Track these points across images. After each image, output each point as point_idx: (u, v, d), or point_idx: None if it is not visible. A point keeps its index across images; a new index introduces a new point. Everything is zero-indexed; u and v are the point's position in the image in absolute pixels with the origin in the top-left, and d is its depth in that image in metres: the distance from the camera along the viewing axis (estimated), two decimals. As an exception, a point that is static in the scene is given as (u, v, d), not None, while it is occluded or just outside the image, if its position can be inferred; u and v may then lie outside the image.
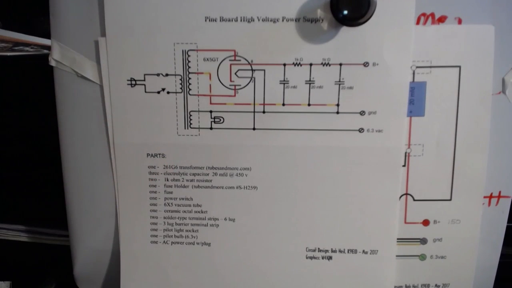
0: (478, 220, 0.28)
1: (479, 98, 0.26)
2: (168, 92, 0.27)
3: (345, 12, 0.23)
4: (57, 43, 0.27)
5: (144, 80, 0.27)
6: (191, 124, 0.27)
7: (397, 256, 0.29)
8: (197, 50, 0.26)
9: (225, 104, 0.27)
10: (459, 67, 0.26)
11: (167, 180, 0.28)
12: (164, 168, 0.28)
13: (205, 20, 0.26)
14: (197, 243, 0.29)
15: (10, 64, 0.35)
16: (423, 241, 0.28)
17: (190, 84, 0.27)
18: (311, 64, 0.26)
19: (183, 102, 0.27)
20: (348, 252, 0.28)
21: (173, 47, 0.26)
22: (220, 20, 0.26)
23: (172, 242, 0.29)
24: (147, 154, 0.28)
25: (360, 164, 0.27)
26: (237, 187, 0.28)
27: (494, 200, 0.28)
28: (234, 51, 0.26)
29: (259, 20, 0.26)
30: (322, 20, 0.25)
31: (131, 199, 0.29)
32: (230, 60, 0.26)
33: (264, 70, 0.26)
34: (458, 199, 0.28)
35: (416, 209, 0.28)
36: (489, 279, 0.30)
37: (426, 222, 0.28)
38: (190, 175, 0.28)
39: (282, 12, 0.25)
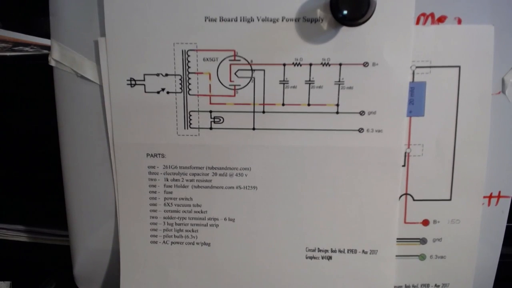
0: (477, 220, 0.28)
1: (478, 98, 0.26)
2: (168, 92, 0.27)
3: (345, 12, 0.23)
4: (57, 43, 0.27)
5: (144, 80, 0.27)
6: (191, 124, 0.27)
7: (396, 256, 0.29)
8: (196, 50, 0.26)
9: (224, 104, 0.27)
10: (459, 67, 0.26)
11: (167, 180, 0.28)
12: (164, 168, 0.28)
13: (205, 20, 0.26)
14: (197, 243, 0.29)
15: (10, 64, 0.35)
16: (423, 241, 0.28)
17: (189, 84, 0.27)
18: (311, 64, 0.26)
19: (182, 102, 0.27)
20: (348, 252, 0.28)
21: (173, 47, 0.26)
22: (220, 20, 0.26)
23: (172, 242, 0.29)
24: (147, 154, 0.28)
25: (360, 164, 0.27)
26: (237, 187, 0.28)
27: (493, 200, 0.28)
28: (234, 51, 0.26)
29: (259, 20, 0.26)
30: (322, 20, 0.25)
31: (131, 199, 0.29)
32: (229, 60, 0.26)
33: (264, 70, 0.26)
34: (458, 199, 0.28)
35: (416, 209, 0.28)
36: (489, 279, 0.30)
37: (425, 222, 0.28)
38: (190, 175, 0.28)
39: (282, 12, 0.25)
